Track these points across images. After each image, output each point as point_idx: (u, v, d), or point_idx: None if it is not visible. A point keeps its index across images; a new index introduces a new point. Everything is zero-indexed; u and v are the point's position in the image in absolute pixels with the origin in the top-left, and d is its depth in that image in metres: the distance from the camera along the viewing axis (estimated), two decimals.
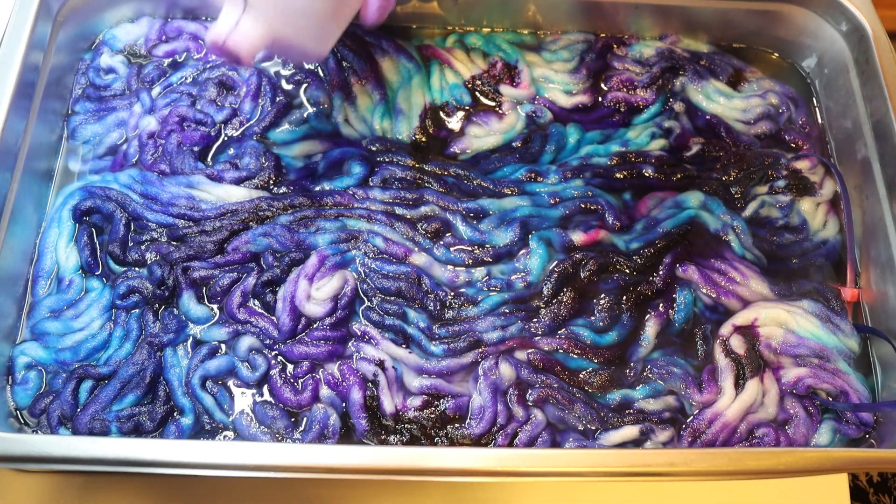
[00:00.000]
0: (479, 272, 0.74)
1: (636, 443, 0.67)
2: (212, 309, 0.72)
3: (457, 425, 0.68)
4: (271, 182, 0.77)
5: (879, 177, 0.76)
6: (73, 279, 0.72)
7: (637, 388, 0.70)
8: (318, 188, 0.77)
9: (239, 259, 0.73)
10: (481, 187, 0.78)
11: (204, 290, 0.72)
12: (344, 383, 0.69)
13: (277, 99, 0.81)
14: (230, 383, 0.69)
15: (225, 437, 0.67)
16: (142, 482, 0.71)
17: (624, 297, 0.73)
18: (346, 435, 0.67)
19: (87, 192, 0.74)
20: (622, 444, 0.67)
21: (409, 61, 0.84)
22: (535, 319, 0.72)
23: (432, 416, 0.68)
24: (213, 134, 0.79)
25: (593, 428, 0.68)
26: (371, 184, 0.78)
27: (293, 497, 0.71)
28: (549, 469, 0.59)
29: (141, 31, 0.84)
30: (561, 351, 0.70)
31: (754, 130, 0.83)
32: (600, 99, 0.84)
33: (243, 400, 0.69)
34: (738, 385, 0.70)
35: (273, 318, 0.71)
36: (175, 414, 0.68)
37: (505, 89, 0.83)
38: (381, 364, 0.69)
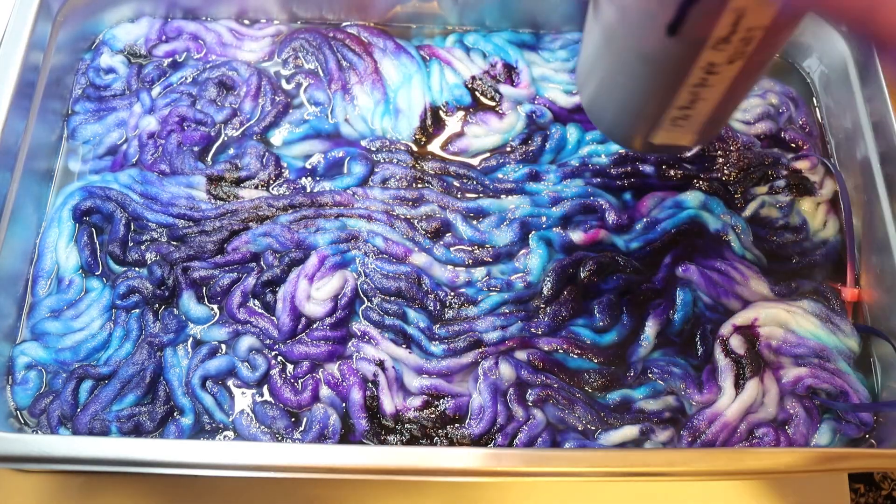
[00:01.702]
0: (479, 272, 0.74)
1: (636, 443, 0.67)
2: (212, 309, 0.72)
3: (457, 425, 0.68)
4: (271, 182, 0.77)
5: (879, 177, 0.76)
6: (73, 279, 0.72)
7: (637, 388, 0.70)
8: (318, 188, 0.77)
9: (239, 259, 0.73)
10: (481, 187, 0.78)
11: (204, 290, 0.72)
12: (344, 383, 0.69)
13: (277, 99, 0.81)
14: (230, 383, 0.69)
15: (225, 437, 0.67)
16: (142, 482, 0.71)
17: (624, 297, 0.73)
18: (346, 435, 0.67)
19: (87, 192, 0.74)
20: (622, 444, 0.67)
21: (410, 61, 0.84)
22: (535, 319, 0.72)
23: (432, 416, 0.68)
24: (213, 134, 0.79)
25: (593, 428, 0.68)
26: (371, 184, 0.78)
27: (293, 497, 0.71)
28: (549, 469, 0.59)
29: (141, 31, 0.84)
30: (561, 351, 0.70)
31: (754, 130, 0.83)
32: None
33: (243, 400, 0.69)
34: (738, 385, 0.70)
35: (273, 318, 0.71)
36: (175, 414, 0.68)
37: (505, 89, 0.83)
38: (381, 364, 0.69)
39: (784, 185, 0.79)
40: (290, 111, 0.82)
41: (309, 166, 0.79)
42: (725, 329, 0.72)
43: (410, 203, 0.76)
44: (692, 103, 0.53)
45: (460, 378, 0.70)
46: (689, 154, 0.81)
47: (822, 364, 0.71)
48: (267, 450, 0.59)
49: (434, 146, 0.81)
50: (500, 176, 0.79)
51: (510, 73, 0.84)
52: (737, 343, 0.71)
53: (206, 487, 0.71)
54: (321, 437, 0.67)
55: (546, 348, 0.70)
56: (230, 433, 0.67)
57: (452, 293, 0.73)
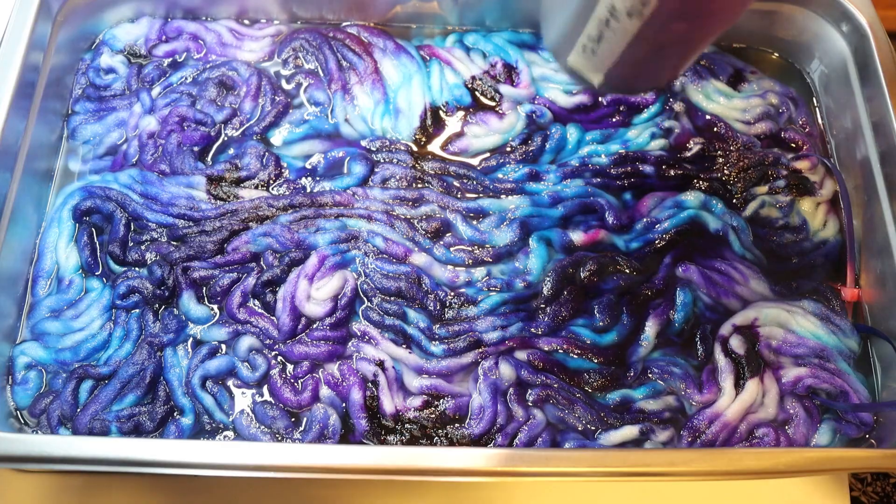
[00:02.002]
0: (479, 272, 0.74)
1: (636, 443, 0.67)
2: (212, 309, 0.72)
3: (457, 425, 0.68)
4: (271, 182, 0.77)
5: (879, 177, 0.76)
6: (73, 279, 0.72)
7: (637, 388, 0.70)
8: (318, 188, 0.77)
9: (239, 259, 0.73)
10: (481, 187, 0.78)
11: (204, 290, 0.72)
12: (344, 383, 0.69)
13: (277, 99, 0.81)
14: (230, 383, 0.69)
15: (225, 437, 0.67)
16: (142, 482, 0.71)
17: (624, 297, 0.73)
18: (346, 435, 0.67)
19: (87, 192, 0.74)
20: (622, 444, 0.67)
21: (410, 61, 0.84)
22: (535, 319, 0.72)
23: (432, 416, 0.68)
24: (213, 134, 0.79)
25: (593, 428, 0.68)
26: (371, 184, 0.78)
27: (293, 497, 0.71)
28: (549, 469, 0.59)
29: (141, 31, 0.84)
30: (561, 351, 0.70)
31: (754, 130, 0.83)
32: (600, 99, 0.84)
33: (243, 400, 0.69)
34: (738, 385, 0.70)
35: (273, 318, 0.71)
36: (175, 414, 0.68)
37: (505, 89, 0.83)
38: (381, 364, 0.69)
39: (784, 185, 0.79)
40: (290, 111, 0.82)
41: (309, 166, 0.79)
42: (725, 329, 0.72)
43: (410, 203, 0.76)
44: (599, 40, 0.57)
45: (460, 378, 0.70)
46: (700, 149, 0.81)
47: (822, 364, 0.71)
48: (267, 450, 0.59)
49: (434, 146, 0.81)
50: (500, 176, 0.79)
51: (510, 73, 0.84)
52: (737, 343, 0.71)
53: (206, 487, 0.71)
54: (321, 437, 0.67)
55: (546, 348, 0.70)
56: (230, 433, 0.67)
57: (452, 293, 0.73)
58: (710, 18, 0.54)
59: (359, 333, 0.71)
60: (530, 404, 0.69)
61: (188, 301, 0.71)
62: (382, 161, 0.79)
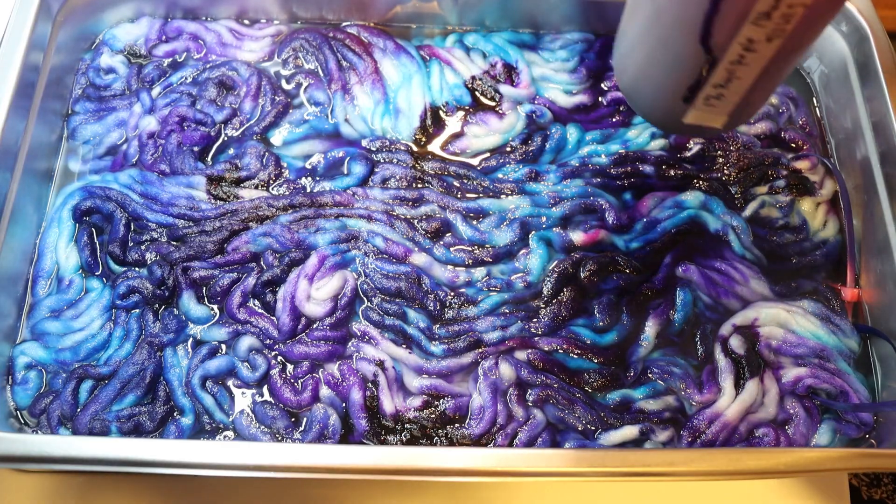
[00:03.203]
0: (479, 272, 0.74)
1: (636, 443, 0.67)
2: (212, 309, 0.72)
3: (457, 425, 0.68)
4: (271, 182, 0.77)
5: (879, 177, 0.76)
6: (73, 279, 0.72)
7: (637, 388, 0.70)
8: (318, 188, 0.77)
9: (239, 259, 0.73)
10: (481, 187, 0.78)
11: (204, 290, 0.72)
12: (344, 383, 0.69)
13: (277, 99, 0.81)
14: (230, 383, 0.69)
15: (225, 437, 0.67)
16: (142, 482, 0.71)
17: (624, 297, 0.73)
18: (346, 435, 0.67)
19: (87, 192, 0.75)
20: (622, 445, 0.67)
21: (410, 61, 0.84)
22: (535, 319, 0.72)
23: (432, 416, 0.68)
24: (213, 134, 0.79)
25: (593, 428, 0.68)
26: (371, 184, 0.78)
27: (293, 497, 0.71)
28: (549, 469, 0.59)
29: (141, 31, 0.84)
30: (561, 351, 0.70)
31: (754, 130, 0.83)
32: (600, 99, 0.84)
33: (243, 400, 0.69)
34: (738, 385, 0.70)
35: (273, 318, 0.71)
36: (175, 414, 0.68)
37: (505, 89, 0.83)
38: (381, 364, 0.69)
39: (784, 185, 0.79)
40: (290, 111, 0.82)
41: (309, 166, 0.79)
42: (725, 329, 0.72)
43: (410, 203, 0.76)
44: (727, 82, 0.54)
45: (460, 378, 0.70)
46: (694, 148, 0.81)
47: (822, 364, 0.71)
48: (267, 450, 0.59)
49: (434, 146, 0.81)
50: (500, 176, 0.79)
51: (510, 73, 0.84)
52: (737, 343, 0.71)
53: (206, 487, 0.71)
54: (321, 437, 0.67)
55: (546, 348, 0.70)
56: (230, 433, 0.67)
57: (452, 293, 0.73)
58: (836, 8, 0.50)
59: (359, 333, 0.71)
60: (530, 404, 0.69)
61: (188, 301, 0.71)
62: (382, 161, 0.79)
